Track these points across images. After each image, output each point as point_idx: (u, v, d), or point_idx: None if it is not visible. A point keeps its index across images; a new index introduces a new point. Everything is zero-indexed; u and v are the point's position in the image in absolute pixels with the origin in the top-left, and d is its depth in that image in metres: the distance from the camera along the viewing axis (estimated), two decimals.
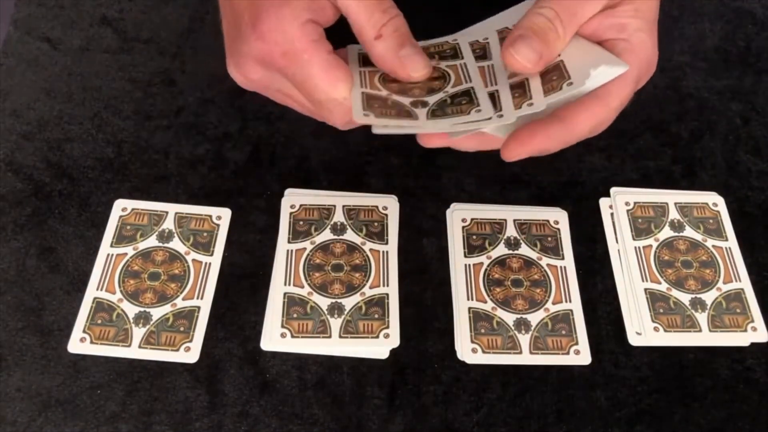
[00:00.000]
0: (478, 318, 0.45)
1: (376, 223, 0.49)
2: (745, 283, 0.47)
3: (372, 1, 0.40)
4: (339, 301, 0.46)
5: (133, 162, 0.51)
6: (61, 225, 0.48)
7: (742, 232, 0.50)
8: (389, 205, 0.50)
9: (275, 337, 0.44)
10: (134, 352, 0.43)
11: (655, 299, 0.46)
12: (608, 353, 0.45)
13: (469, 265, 0.47)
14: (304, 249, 0.48)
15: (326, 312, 0.45)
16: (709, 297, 0.47)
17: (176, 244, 0.47)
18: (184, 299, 0.45)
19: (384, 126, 0.39)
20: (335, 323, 0.45)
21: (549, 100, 0.39)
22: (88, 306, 0.45)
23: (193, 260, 0.47)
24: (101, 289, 0.45)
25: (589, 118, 0.40)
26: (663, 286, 0.47)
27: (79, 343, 0.43)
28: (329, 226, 0.49)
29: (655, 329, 0.45)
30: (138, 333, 0.44)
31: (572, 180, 0.52)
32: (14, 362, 0.43)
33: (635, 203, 0.50)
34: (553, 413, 0.43)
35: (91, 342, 0.44)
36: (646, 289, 0.47)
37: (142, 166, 0.51)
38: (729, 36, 0.60)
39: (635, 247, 0.49)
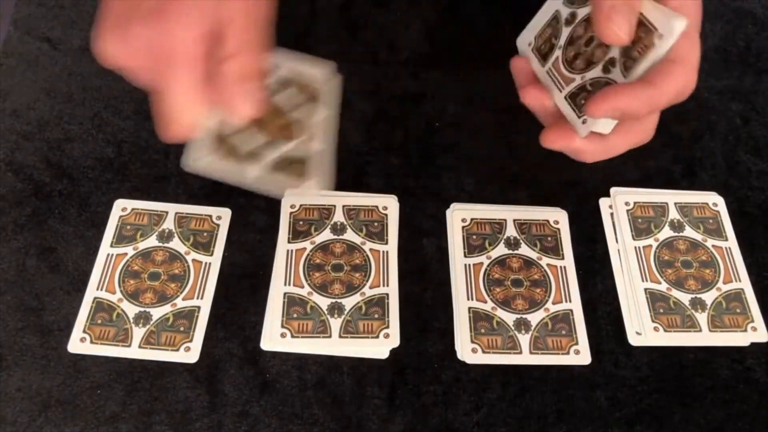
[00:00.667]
0: (478, 318, 0.45)
1: (376, 223, 0.49)
2: (745, 283, 0.47)
3: (252, 21, 0.41)
4: (339, 301, 0.46)
5: (133, 162, 0.51)
6: (61, 225, 0.48)
7: (742, 232, 0.50)
8: (389, 205, 0.50)
9: (275, 337, 0.44)
10: (134, 352, 0.43)
11: (655, 299, 0.46)
12: (608, 353, 0.45)
13: (470, 265, 0.47)
14: (304, 249, 0.48)
15: (326, 312, 0.45)
16: (709, 297, 0.47)
17: (176, 244, 0.47)
18: (184, 299, 0.45)
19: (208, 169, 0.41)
20: (335, 323, 0.45)
21: (648, 61, 0.40)
22: (88, 306, 0.45)
23: (193, 260, 0.47)
24: (101, 289, 0.45)
25: (675, 81, 0.41)
26: (663, 286, 0.47)
27: (79, 343, 0.43)
28: (329, 226, 0.49)
29: (655, 329, 0.45)
30: (138, 333, 0.44)
31: (572, 180, 0.52)
32: (14, 362, 0.43)
33: (635, 203, 0.50)
34: (553, 413, 0.43)
35: (91, 342, 0.44)
36: (646, 289, 0.47)
37: (142, 166, 0.51)
38: (729, 36, 0.60)
39: (635, 247, 0.49)
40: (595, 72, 0.43)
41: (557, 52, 0.45)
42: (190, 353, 0.44)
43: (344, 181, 0.51)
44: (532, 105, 0.47)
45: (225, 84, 0.41)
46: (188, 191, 0.50)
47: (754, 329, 0.46)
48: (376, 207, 0.50)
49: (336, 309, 0.45)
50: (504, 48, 0.58)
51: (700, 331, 0.45)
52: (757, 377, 0.45)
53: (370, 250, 0.48)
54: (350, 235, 0.48)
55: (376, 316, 0.45)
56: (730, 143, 0.54)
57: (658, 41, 0.40)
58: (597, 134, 0.44)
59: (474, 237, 0.49)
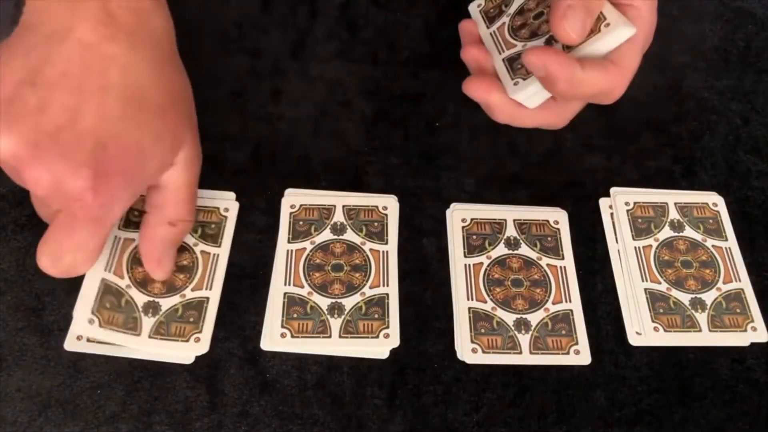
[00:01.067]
0: (478, 318, 0.45)
1: (376, 223, 0.49)
2: (744, 283, 0.47)
3: (193, 194, 0.44)
4: (339, 301, 0.46)
5: None
6: None
7: (742, 232, 0.50)
8: (389, 205, 0.50)
9: (275, 337, 0.44)
10: (132, 352, 0.43)
11: (655, 299, 0.46)
12: (608, 353, 0.45)
13: (470, 265, 0.47)
14: (304, 249, 0.48)
15: (326, 312, 0.45)
16: (709, 297, 0.47)
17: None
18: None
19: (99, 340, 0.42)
20: (335, 323, 0.45)
21: (588, 46, 0.42)
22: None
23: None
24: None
25: (604, 77, 0.42)
26: (663, 286, 0.47)
27: (76, 342, 0.43)
28: (329, 226, 0.49)
29: (655, 329, 0.45)
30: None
31: (572, 180, 0.52)
32: (14, 362, 0.43)
33: (635, 203, 0.50)
34: (553, 413, 0.43)
35: (87, 340, 0.44)
36: (646, 289, 0.47)
37: None
38: (729, 36, 0.60)
39: (635, 247, 0.49)
40: (537, 43, 0.45)
41: (504, 19, 0.48)
42: (190, 353, 0.44)
43: (344, 181, 0.51)
44: (469, 62, 0.49)
45: (151, 245, 0.43)
46: None
47: (754, 329, 0.46)
48: (376, 207, 0.50)
49: (336, 309, 0.45)
50: None
51: (700, 331, 0.45)
52: (757, 377, 0.45)
53: (370, 250, 0.48)
54: (350, 235, 0.48)
55: (376, 316, 0.45)
56: (730, 143, 0.54)
57: (604, 29, 0.42)
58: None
59: (474, 237, 0.49)
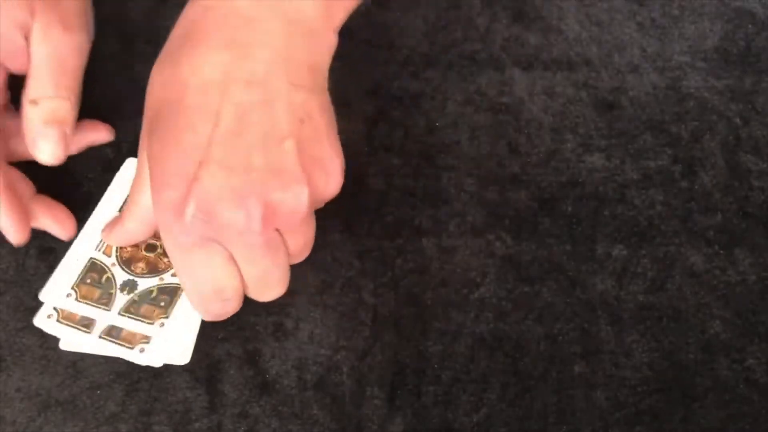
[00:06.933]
0: None
1: None
2: None
3: (59, 67, 0.44)
4: (135, 279, 0.45)
5: None
6: None
7: (743, 232, 0.50)
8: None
9: (61, 295, 0.44)
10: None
11: None
12: (608, 353, 0.45)
13: None
14: None
15: (119, 286, 0.45)
16: None
17: None
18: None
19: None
20: (122, 298, 0.44)
21: None
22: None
23: None
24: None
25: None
26: None
27: (45, 320, 0.43)
28: None
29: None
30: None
31: (572, 180, 0.52)
32: (14, 362, 0.43)
33: None
34: (553, 413, 0.43)
35: (57, 320, 0.44)
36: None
37: None
38: (729, 36, 0.60)
39: None
40: None
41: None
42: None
43: (344, 181, 0.51)
44: None
45: (24, 125, 0.44)
46: None
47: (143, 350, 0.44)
48: None
49: (129, 286, 0.45)
50: (504, 48, 0.58)
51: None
52: (757, 377, 0.45)
53: None
54: None
55: (162, 304, 0.44)
56: (730, 143, 0.54)
57: None
58: None
59: None
